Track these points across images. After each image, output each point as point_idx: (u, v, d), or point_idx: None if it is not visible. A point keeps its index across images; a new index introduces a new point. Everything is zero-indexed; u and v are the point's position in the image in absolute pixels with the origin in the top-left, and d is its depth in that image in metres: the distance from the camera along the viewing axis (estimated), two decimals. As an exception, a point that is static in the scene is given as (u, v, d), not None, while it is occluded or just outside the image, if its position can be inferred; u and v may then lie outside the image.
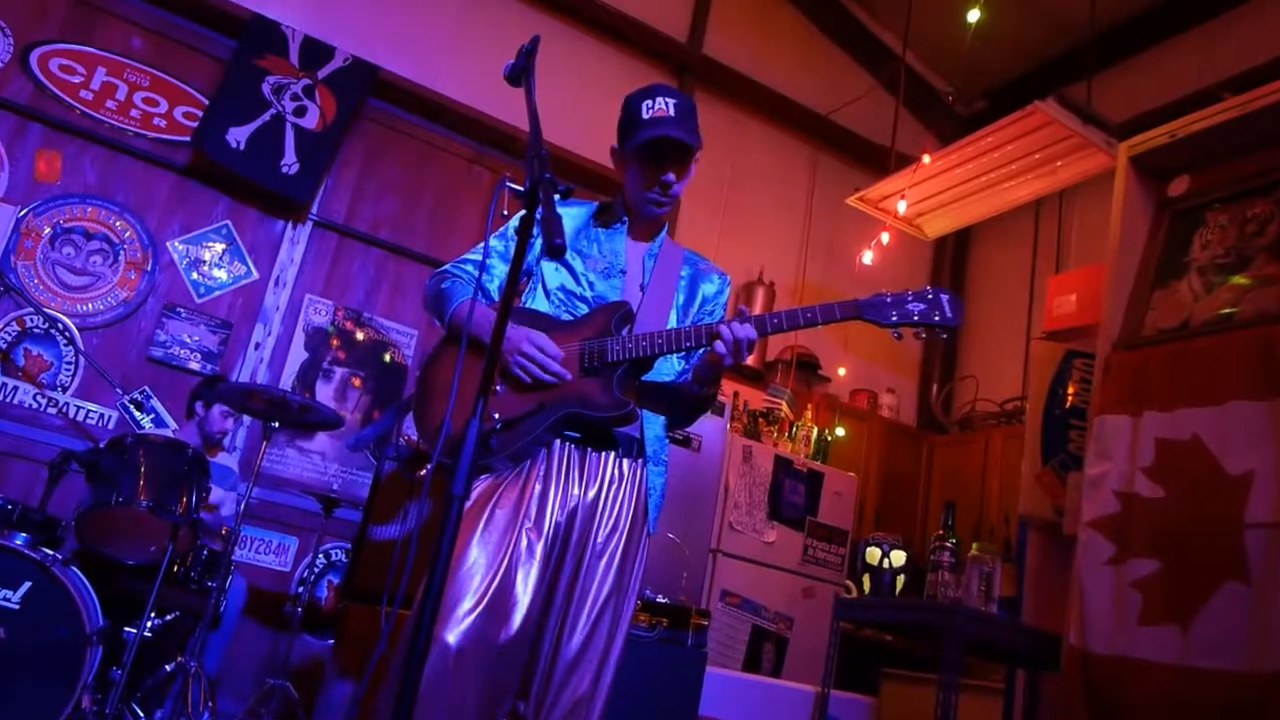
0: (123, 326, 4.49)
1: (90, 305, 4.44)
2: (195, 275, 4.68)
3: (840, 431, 5.78)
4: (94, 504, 3.11)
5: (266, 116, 4.74)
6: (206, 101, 4.72)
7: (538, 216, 1.63)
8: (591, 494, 2.04)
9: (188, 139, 4.69)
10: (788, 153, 6.60)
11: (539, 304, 2.20)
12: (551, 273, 2.21)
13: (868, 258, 5.58)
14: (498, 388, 2.05)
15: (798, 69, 6.57)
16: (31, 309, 4.27)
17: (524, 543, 1.94)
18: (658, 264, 2.25)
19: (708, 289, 2.26)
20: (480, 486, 2.00)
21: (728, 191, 6.16)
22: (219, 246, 4.76)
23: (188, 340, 4.58)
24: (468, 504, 1.94)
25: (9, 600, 2.83)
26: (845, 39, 6.82)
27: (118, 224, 4.55)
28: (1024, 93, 5.27)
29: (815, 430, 5.52)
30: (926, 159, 5.01)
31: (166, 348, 4.53)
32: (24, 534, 2.99)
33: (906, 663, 4.81)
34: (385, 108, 5.21)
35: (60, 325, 4.34)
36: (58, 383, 4.32)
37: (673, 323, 2.20)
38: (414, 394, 2.16)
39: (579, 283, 2.17)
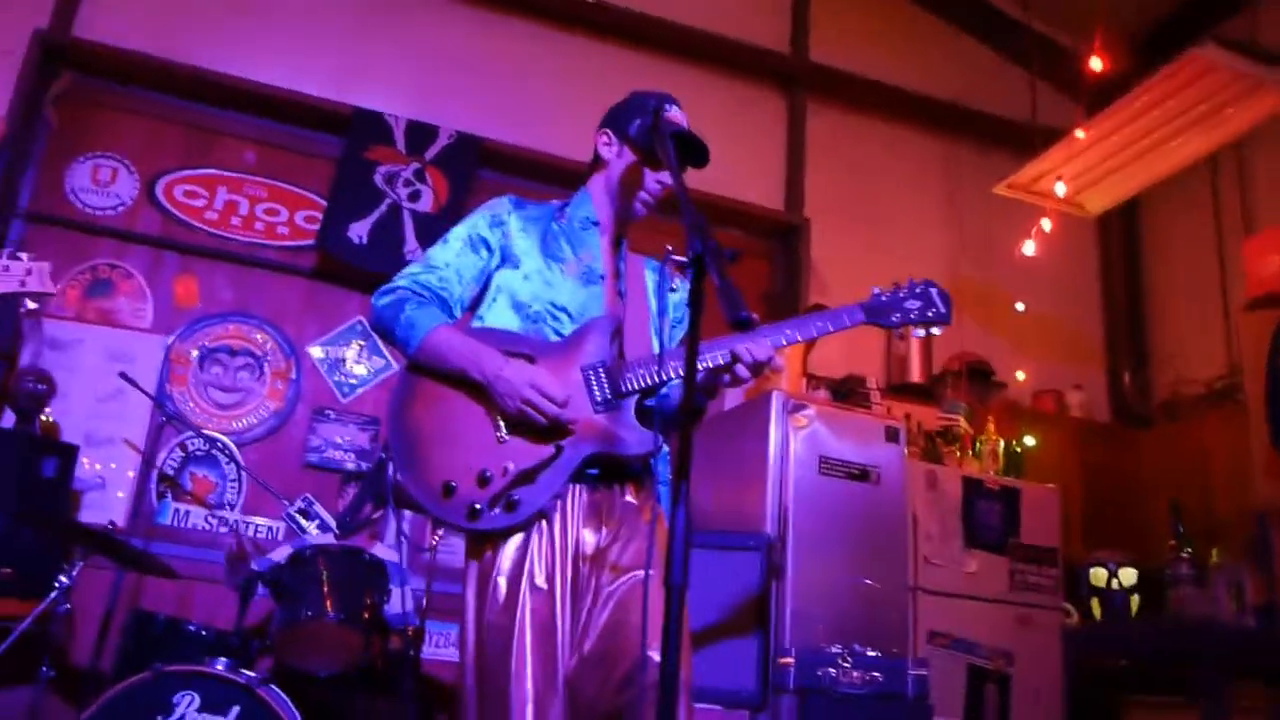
0: (277, 437, 4.84)
1: (244, 421, 4.80)
2: (338, 376, 5.00)
3: (1029, 440, 5.64)
4: (286, 621, 3.34)
5: (383, 207, 5.04)
6: (324, 202, 5.07)
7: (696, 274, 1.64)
8: (608, 537, 2.02)
9: (312, 242, 5.04)
10: (918, 151, 6.56)
11: (504, 319, 2.11)
12: (520, 282, 2.13)
13: (1029, 248, 5.49)
14: (504, 436, 2.00)
15: (913, 59, 6.54)
16: (192, 432, 4.65)
17: (532, 612, 1.92)
18: (628, 270, 2.24)
19: (674, 296, 2.26)
20: (512, 553, 1.98)
21: (861, 205, 6.17)
22: (356, 343, 5.07)
23: (340, 441, 4.88)
24: (502, 579, 1.96)
25: (222, 726, 3.07)
26: (959, 17, 6.75)
27: (258, 336, 4.92)
28: (1173, 38, 5.13)
29: (1001, 443, 5.41)
30: (1080, 134, 4.92)
31: (321, 452, 4.85)
32: (224, 658, 3.24)
33: (1151, 687, 4.61)
34: (495, 176, 5.45)
35: (219, 444, 4.70)
36: (225, 501, 4.68)
37: (652, 334, 2.18)
38: (392, 445, 2.03)
39: (556, 291, 2.12)
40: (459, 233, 2.20)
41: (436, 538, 4.03)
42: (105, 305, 4.75)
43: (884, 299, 2.15)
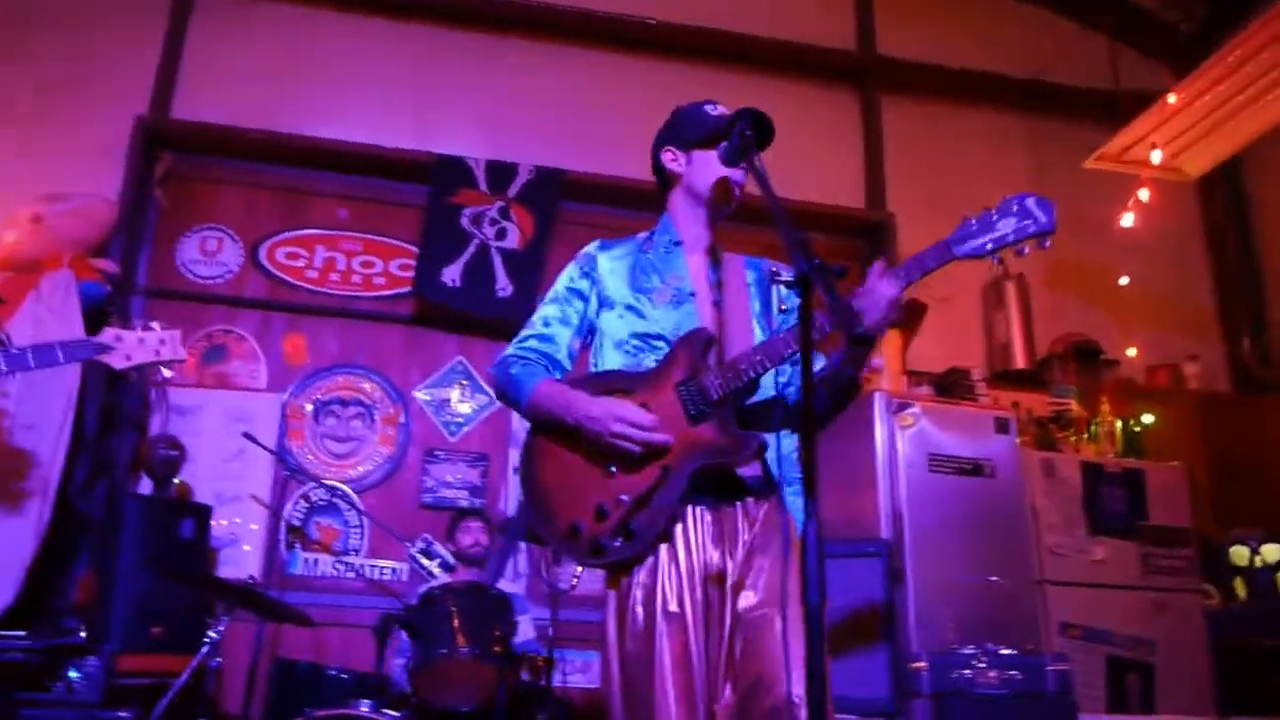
0: (392, 481, 5.02)
1: (360, 468, 5.00)
2: (444, 416, 5.17)
3: (1147, 418, 5.48)
4: (422, 660, 3.47)
5: (472, 248, 5.20)
6: (416, 250, 5.24)
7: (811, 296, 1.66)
8: (735, 557, 2.03)
9: (408, 289, 5.22)
10: (999, 132, 6.45)
11: (611, 360, 2.19)
12: (616, 321, 2.20)
13: (1128, 220, 5.36)
14: (611, 468, 2.06)
15: (985, 40, 6.45)
16: (313, 483, 4.86)
17: (669, 639, 1.95)
18: (723, 276, 2.24)
19: (781, 289, 2.25)
20: (644, 580, 2.02)
21: (945, 193, 6.08)
22: (459, 383, 5.23)
23: (452, 480, 5.04)
24: (638, 607, 2.00)
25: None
26: (1027, -11, 6.64)
27: (366, 385, 5.12)
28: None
29: (1118, 424, 5.28)
30: (1172, 98, 4.79)
31: (435, 492, 5.01)
32: (366, 699, 3.38)
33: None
34: (577, 206, 5.56)
35: (340, 493, 4.91)
36: (349, 547, 4.87)
37: (758, 334, 2.17)
38: (526, 502, 2.16)
39: (650, 321, 2.17)
40: (556, 288, 2.32)
41: (576, 579, 4.12)
42: (222, 369, 5.00)
43: (973, 225, 2.01)
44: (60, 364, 2.18)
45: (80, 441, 4.30)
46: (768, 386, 2.15)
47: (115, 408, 4.59)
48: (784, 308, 2.21)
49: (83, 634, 3.87)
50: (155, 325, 2.35)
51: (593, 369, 2.27)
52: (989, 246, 1.97)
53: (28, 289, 4.37)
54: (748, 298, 2.23)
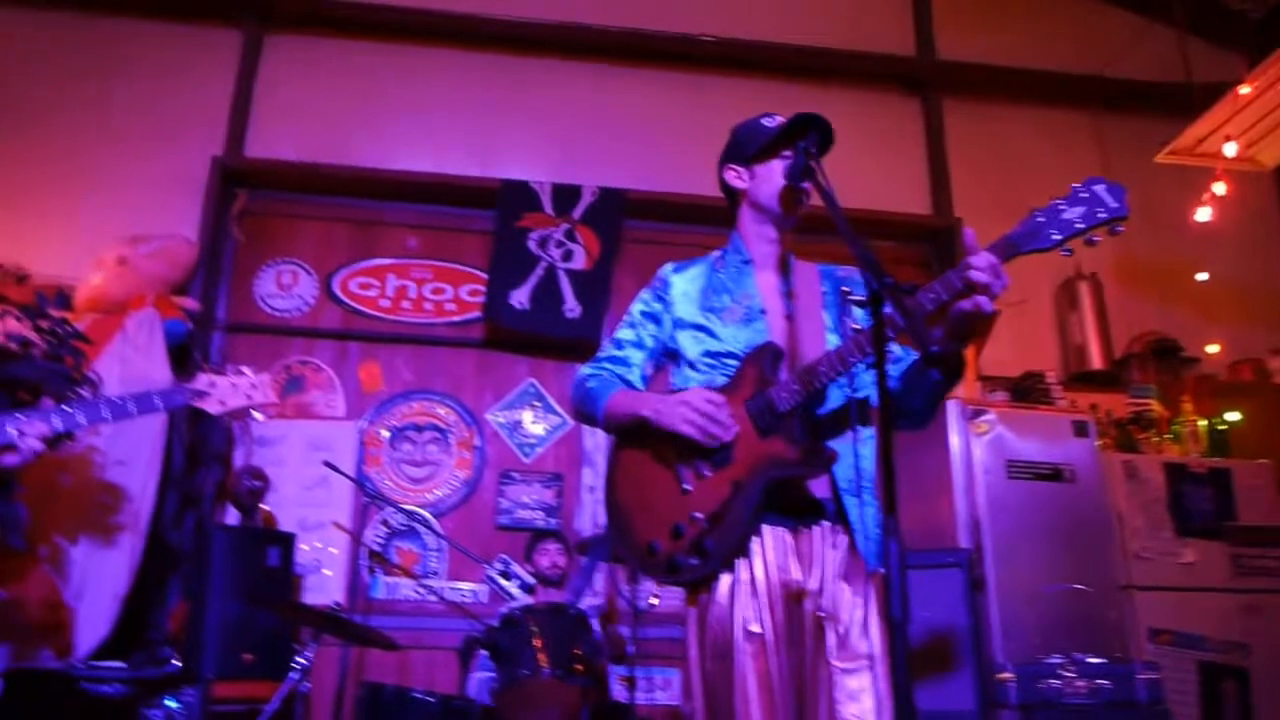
0: (469, 503, 5.09)
1: (437, 492, 5.08)
2: (518, 438, 5.23)
3: (1232, 416, 5.33)
4: (506, 681, 3.51)
5: (540, 270, 5.25)
6: (484, 275, 5.32)
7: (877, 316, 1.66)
8: (816, 576, 2.03)
9: (478, 314, 5.30)
10: (1065, 130, 6.34)
11: (687, 381, 2.22)
12: (689, 343, 2.24)
13: (1204, 214, 5.22)
14: (685, 486, 2.07)
15: (1047, 38, 6.35)
16: (392, 508, 4.95)
17: (751, 658, 1.95)
18: (795, 289, 2.23)
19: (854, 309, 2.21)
20: (722, 598, 2.03)
21: (1012, 195, 5.96)
22: (531, 405, 5.28)
23: (527, 501, 5.09)
24: (717, 625, 2.01)
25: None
26: (1089, -17, 6.53)
27: (440, 410, 5.20)
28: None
29: (1201, 423, 5.14)
30: (1244, 89, 4.67)
31: (511, 513, 5.06)
32: (453, 722, 3.43)
33: None
34: (642, 225, 5.59)
35: (418, 517, 4.99)
36: (429, 571, 4.94)
37: (832, 345, 2.15)
38: (608, 522, 2.21)
39: (721, 340, 2.19)
40: (631, 311, 2.36)
41: (655, 598, 4.13)
42: (301, 400, 5.13)
43: (1039, 217, 1.91)
44: (159, 411, 2.25)
45: (168, 476, 4.44)
46: (838, 396, 2.14)
47: (201, 442, 4.73)
48: (856, 327, 2.18)
49: (177, 663, 3.99)
50: (246, 370, 2.44)
51: (671, 389, 2.29)
52: (1056, 237, 1.88)
53: (114, 329, 4.53)
54: (821, 309, 2.23)
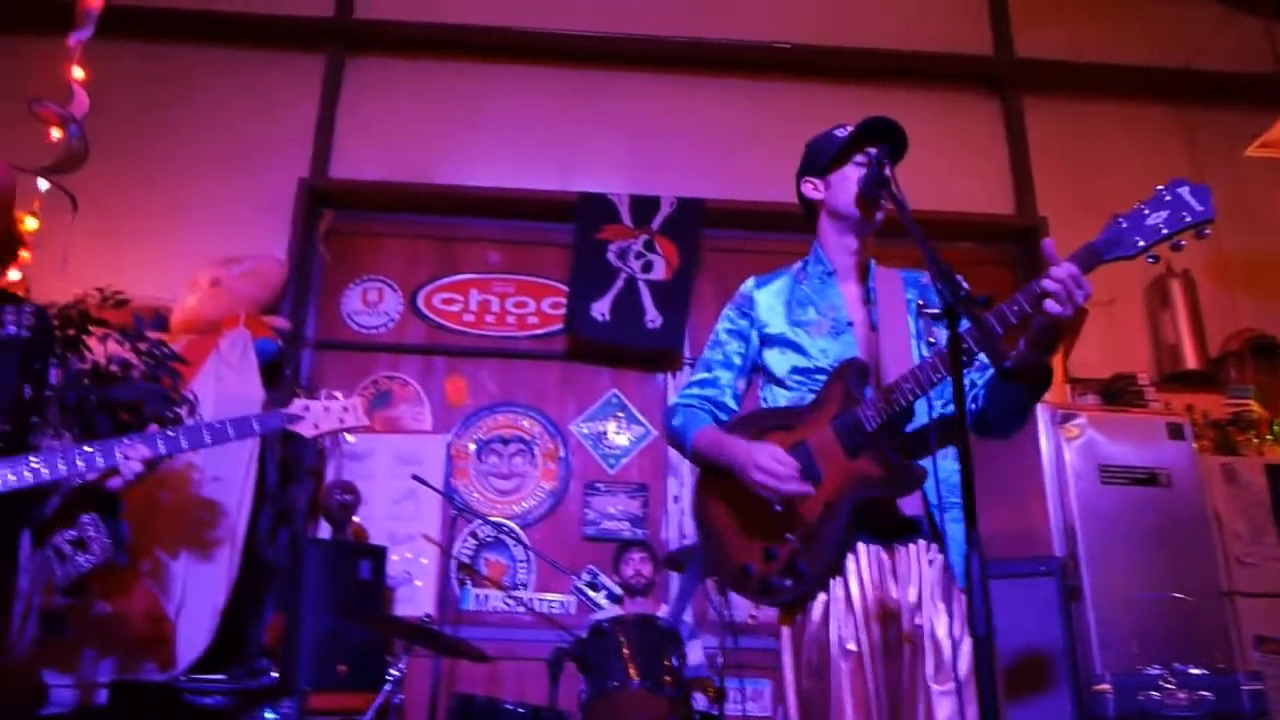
0: (555, 515, 5.13)
1: (524, 503, 5.13)
2: (602, 449, 5.26)
3: (1336, 414, 5.14)
4: (594, 693, 3.52)
5: (620, 282, 5.28)
6: (565, 288, 5.36)
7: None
8: (912, 594, 2.00)
9: (560, 327, 5.34)
10: (1149, 125, 6.17)
11: (776, 396, 2.22)
12: (777, 357, 2.23)
13: (1301, 208, 5.05)
14: (776, 507, 2.06)
15: (1129, 31, 6.19)
16: (480, 520, 5.01)
17: (847, 677, 1.94)
18: (879, 298, 2.20)
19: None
20: (818, 617, 2.02)
21: (1097, 192, 5.86)
22: (614, 416, 5.31)
23: (613, 511, 5.11)
24: (813, 644, 2.00)
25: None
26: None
27: (525, 422, 5.26)
28: None
29: (1304, 423, 4.97)
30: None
31: (598, 524, 5.09)
32: (547, 733, 3.45)
33: None
34: (721, 234, 5.59)
35: (506, 529, 5.04)
36: (517, 582, 4.99)
37: (917, 355, 2.12)
38: (700, 545, 2.20)
39: (810, 356, 2.17)
40: (716, 331, 2.37)
41: (753, 617, 4.15)
42: (389, 414, 5.22)
43: (1122, 224, 1.85)
44: (256, 435, 2.34)
45: (263, 491, 4.56)
46: (924, 411, 2.10)
47: (293, 458, 4.85)
48: (932, 340, 2.15)
49: (274, 675, 4.09)
50: (338, 395, 2.51)
51: (763, 403, 2.29)
52: (1141, 244, 1.82)
53: (209, 349, 4.67)
54: (906, 317, 2.20)
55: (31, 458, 2.12)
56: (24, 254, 4.32)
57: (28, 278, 4.28)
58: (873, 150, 2.16)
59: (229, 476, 4.43)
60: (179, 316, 4.90)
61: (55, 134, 4.27)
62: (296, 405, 2.49)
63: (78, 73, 4.29)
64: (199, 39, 5.70)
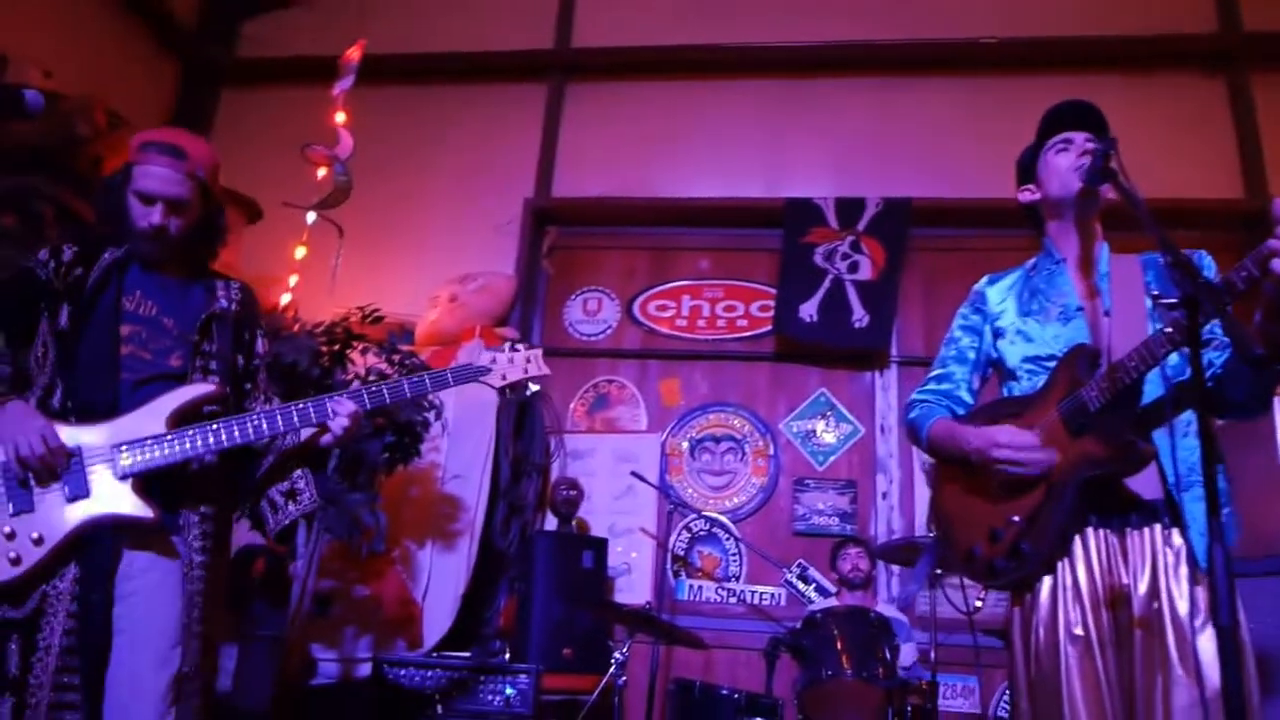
0: (766, 510, 5.26)
1: (735, 499, 5.29)
2: (811, 446, 5.34)
3: None
4: (809, 681, 3.61)
5: (826, 283, 5.34)
6: (773, 291, 5.48)
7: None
8: (1145, 579, 1.93)
9: (769, 329, 5.48)
10: None
11: (1011, 387, 2.22)
12: (1009, 349, 2.22)
13: None
14: (1002, 493, 2.06)
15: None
16: (694, 515, 5.20)
17: (1076, 662, 1.91)
18: (1113, 282, 2.14)
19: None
20: (1045, 601, 2.00)
21: None
22: (823, 414, 5.37)
23: (822, 507, 5.17)
24: (1041, 628, 1.99)
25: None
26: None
27: (735, 422, 5.41)
28: None
29: None
30: None
31: (807, 520, 5.17)
32: (757, 718, 3.57)
33: None
34: (929, 232, 5.55)
35: (718, 523, 5.21)
36: (729, 574, 5.14)
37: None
38: (935, 531, 2.25)
39: (1041, 343, 2.15)
40: (951, 328, 2.43)
41: (980, 601, 4.12)
42: (608, 415, 5.52)
43: None
44: (451, 387, 2.51)
45: (496, 487, 4.92)
46: (1155, 388, 2.03)
47: (523, 457, 5.19)
48: (1168, 330, 2.01)
49: (506, 655, 4.41)
50: (520, 346, 2.65)
51: (1004, 393, 2.31)
52: None
53: (449, 360, 5.07)
54: (1143, 301, 2.13)
55: (250, 417, 2.30)
56: (292, 278, 4.89)
57: (297, 299, 4.85)
58: (1074, 136, 2.19)
59: (469, 474, 4.83)
60: (422, 330, 5.38)
61: (320, 173, 4.80)
62: (485, 358, 2.63)
63: (340, 118, 4.80)
64: (437, 79, 6.24)
